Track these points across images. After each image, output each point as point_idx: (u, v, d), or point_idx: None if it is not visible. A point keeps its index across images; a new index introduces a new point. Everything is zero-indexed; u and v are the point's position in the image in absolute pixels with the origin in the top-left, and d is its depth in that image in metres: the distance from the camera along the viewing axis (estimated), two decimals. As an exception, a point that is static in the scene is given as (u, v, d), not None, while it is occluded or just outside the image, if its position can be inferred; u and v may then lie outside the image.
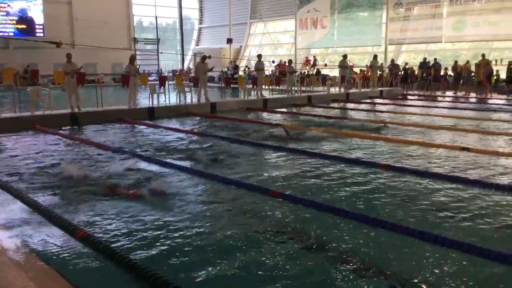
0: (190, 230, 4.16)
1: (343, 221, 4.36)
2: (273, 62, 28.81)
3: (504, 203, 4.96)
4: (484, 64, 19.56)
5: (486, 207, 4.83)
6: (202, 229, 4.20)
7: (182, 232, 4.11)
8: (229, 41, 32.77)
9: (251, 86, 18.05)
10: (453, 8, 23.45)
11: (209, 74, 16.75)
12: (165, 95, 15.00)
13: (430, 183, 5.76)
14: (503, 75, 20.29)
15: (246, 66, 31.20)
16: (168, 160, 7.11)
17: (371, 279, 3.24)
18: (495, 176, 6.09)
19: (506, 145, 8.44)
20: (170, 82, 17.35)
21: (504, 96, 19.01)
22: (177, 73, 23.89)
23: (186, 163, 6.97)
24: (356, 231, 4.12)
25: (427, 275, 3.28)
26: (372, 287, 3.11)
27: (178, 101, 14.94)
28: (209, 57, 16.16)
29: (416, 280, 3.21)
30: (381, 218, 4.36)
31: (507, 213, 4.62)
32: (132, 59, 13.74)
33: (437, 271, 3.35)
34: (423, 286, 3.14)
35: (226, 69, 29.28)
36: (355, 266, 3.43)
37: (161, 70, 32.09)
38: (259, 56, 18.25)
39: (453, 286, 3.14)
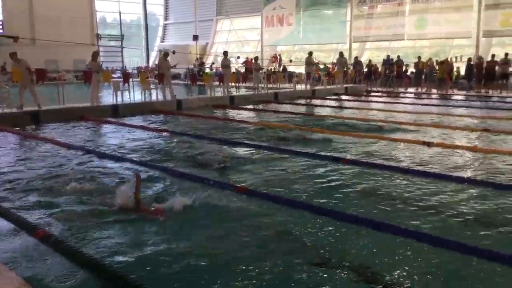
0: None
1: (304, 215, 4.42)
2: (238, 58, 28.78)
3: (465, 196, 5.11)
4: (447, 62, 20.22)
5: (446, 198, 4.97)
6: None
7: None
8: (195, 37, 32.50)
9: (217, 83, 17.98)
10: (415, 7, 24.02)
11: (175, 71, 16.59)
12: (129, 92, 14.76)
13: (395, 176, 5.88)
14: (462, 72, 20.90)
15: (213, 63, 31.06)
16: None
17: (331, 270, 3.28)
18: (456, 169, 6.28)
19: (467, 139, 8.71)
20: (135, 79, 17.09)
21: (464, 92, 19.64)
22: (142, 70, 23.52)
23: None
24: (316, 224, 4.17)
25: (385, 264, 3.36)
26: (333, 279, 3.16)
27: (143, 99, 14.73)
28: (173, 52, 15.94)
29: (373, 269, 3.28)
30: (342, 210, 4.44)
31: (465, 204, 4.76)
32: (95, 55, 13.45)
33: (392, 260, 3.43)
34: (381, 275, 3.21)
35: (192, 66, 29.04)
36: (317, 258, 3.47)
37: (125, 67, 31.53)
38: (225, 53, 18.18)
39: (408, 275, 3.22)
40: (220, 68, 20.00)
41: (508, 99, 17.19)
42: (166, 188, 5.36)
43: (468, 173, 6.11)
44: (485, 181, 5.59)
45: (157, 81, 16.00)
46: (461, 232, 4.07)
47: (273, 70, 25.51)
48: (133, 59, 34.31)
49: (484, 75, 19.22)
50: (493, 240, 3.86)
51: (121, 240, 3.86)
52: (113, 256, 3.52)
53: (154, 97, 15.08)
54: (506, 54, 18.98)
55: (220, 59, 22.41)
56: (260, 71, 20.02)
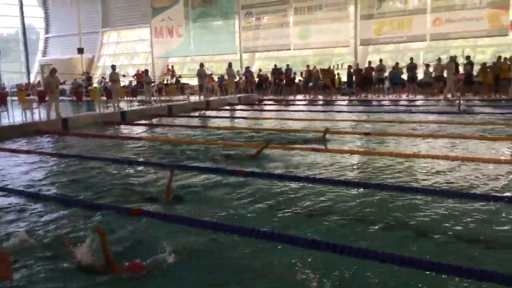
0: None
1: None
2: (124, 76, 27.85)
3: (348, 197, 5.46)
4: (329, 69, 21.54)
5: (331, 202, 5.28)
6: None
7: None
8: (80, 51, 30.94)
9: (106, 98, 17.29)
10: (298, 18, 25.28)
11: (60, 86, 15.65)
12: (8, 113, 13.62)
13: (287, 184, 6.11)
14: (344, 78, 22.37)
15: (102, 77, 29.79)
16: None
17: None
18: (345, 172, 6.69)
19: (353, 144, 9.33)
20: (14, 98, 15.82)
21: (347, 97, 21.06)
22: (22, 88, 21.79)
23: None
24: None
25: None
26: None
27: (24, 119, 13.68)
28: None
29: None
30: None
31: (352, 206, 5.10)
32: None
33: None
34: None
35: (80, 81, 27.55)
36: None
37: (3, 84, 28.99)
38: (113, 67, 17.57)
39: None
40: (109, 83, 19.26)
41: (384, 102, 18.76)
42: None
43: (354, 174, 6.56)
44: (362, 182, 6.04)
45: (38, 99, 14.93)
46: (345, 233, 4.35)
47: (165, 82, 25.20)
48: (13, 76, 31.71)
49: (362, 80, 20.76)
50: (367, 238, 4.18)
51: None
52: None
53: (36, 117, 14.06)
54: (381, 60, 20.74)
55: (108, 72, 21.60)
56: (152, 84, 19.66)
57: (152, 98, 18.76)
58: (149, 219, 4.80)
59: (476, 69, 18.94)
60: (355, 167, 7.21)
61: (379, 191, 5.68)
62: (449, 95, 18.09)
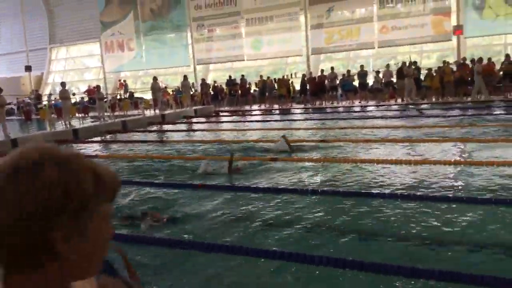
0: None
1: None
2: (74, 95, 27.01)
3: (307, 206, 5.52)
4: (284, 79, 21.81)
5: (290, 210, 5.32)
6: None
7: None
8: (28, 68, 29.97)
9: (56, 116, 16.77)
10: (250, 29, 25.53)
11: (7, 106, 15.05)
12: None
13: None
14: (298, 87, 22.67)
15: (51, 94, 28.90)
16: None
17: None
18: (299, 181, 6.76)
19: (309, 152, 9.43)
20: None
21: (302, 106, 21.37)
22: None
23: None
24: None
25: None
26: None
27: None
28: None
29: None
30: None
31: (310, 214, 5.16)
32: None
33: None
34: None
35: (28, 99, 26.62)
36: None
37: None
38: (63, 84, 17.06)
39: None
40: (59, 100, 18.71)
41: (339, 109, 19.16)
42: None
43: (318, 181, 6.64)
44: (324, 190, 6.13)
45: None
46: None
47: (118, 97, 24.72)
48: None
49: (316, 88, 21.11)
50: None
51: None
52: None
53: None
54: (332, 68, 21.20)
55: (58, 89, 20.99)
56: (104, 100, 19.25)
57: (105, 114, 18.35)
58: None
59: (423, 73, 19.64)
60: (317, 174, 7.29)
61: (338, 197, 5.77)
62: (409, 99, 18.48)
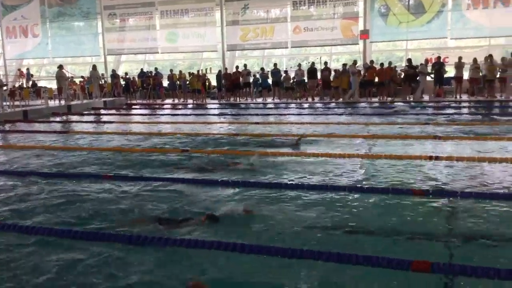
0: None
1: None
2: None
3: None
4: (198, 74, 21.62)
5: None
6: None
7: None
8: None
9: None
10: (164, 21, 25.00)
11: None
12: None
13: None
14: (214, 82, 22.65)
15: None
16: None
17: None
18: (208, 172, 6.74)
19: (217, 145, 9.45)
20: None
21: (216, 101, 21.39)
22: None
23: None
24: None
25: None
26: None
27: None
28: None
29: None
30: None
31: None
32: None
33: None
34: None
35: None
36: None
37: None
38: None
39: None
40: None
41: (252, 105, 19.46)
42: None
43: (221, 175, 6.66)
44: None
45: None
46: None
47: (19, 85, 23.05)
48: None
49: (231, 85, 21.23)
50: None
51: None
52: None
53: None
54: (245, 66, 21.45)
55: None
56: (4, 88, 17.85)
57: (4, 103, 17.02)
58: None
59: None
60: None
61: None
62: (351, 98, 19.07)
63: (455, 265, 3.42)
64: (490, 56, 18.17)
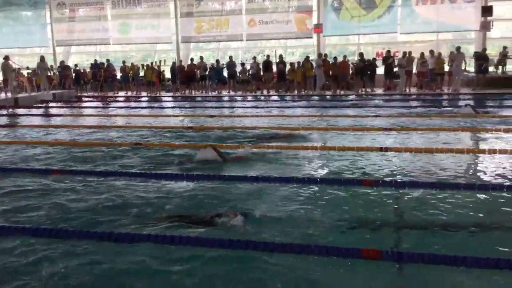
0: None
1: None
2: None
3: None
4: (152, 66, 21.23)
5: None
6: None
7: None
8: None
9: None
10: (117, 11, 24.36)
11: None
12: None
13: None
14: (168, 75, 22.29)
15: None
16: None
17: None
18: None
19: (176, 138, 9.37)
20: None
21: (171, 94, 21.12)
22: None
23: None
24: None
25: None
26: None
27: None
28: None
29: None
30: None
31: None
32: None
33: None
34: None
35: None
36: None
37: None
38: None
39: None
40: None
41: (208, 98, 19.35)
42: None
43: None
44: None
45: None
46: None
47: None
48: None
49: (185, 77, 20.96)
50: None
51: None
52: None
53: None
54: (201, 58, 21.29)
55: None
56: None
57: None
58: None
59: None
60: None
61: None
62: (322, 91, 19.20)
63: (403, 253, 3.58)
64: (433, 51, 18.80)
